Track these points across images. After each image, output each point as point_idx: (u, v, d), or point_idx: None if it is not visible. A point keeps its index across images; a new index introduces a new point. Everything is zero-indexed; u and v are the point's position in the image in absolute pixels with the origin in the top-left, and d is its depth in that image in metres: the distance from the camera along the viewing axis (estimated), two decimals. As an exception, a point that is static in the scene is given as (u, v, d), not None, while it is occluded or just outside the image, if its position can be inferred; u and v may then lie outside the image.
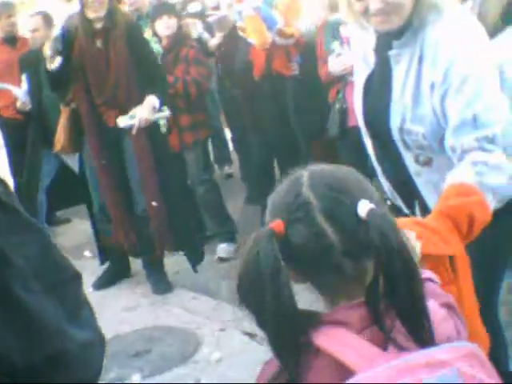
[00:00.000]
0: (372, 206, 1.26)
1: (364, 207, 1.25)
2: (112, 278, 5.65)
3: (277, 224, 1.29)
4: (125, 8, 5.78)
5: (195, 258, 5.31)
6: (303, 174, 1.35)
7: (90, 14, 4.78)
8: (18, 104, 6.13)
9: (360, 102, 2.53)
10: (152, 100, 4.87)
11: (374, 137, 2.54)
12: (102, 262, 5.64)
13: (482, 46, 2.25)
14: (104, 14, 4.77)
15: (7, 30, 6.67)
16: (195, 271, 5.27)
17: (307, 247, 1.27)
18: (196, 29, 6.26)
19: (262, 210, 5.85)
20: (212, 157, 6.96)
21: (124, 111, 4.88)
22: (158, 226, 5.12)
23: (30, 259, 1.33)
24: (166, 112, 5.04)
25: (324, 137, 5.19)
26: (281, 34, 5.24)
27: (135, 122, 4.79)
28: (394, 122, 2.34)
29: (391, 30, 2.29)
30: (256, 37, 5.30)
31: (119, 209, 5.20)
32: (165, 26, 5.50)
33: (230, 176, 7.75)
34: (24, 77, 6.14)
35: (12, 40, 6.66)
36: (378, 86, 2.44)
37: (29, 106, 6.18)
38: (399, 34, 2.30)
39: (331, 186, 1.30)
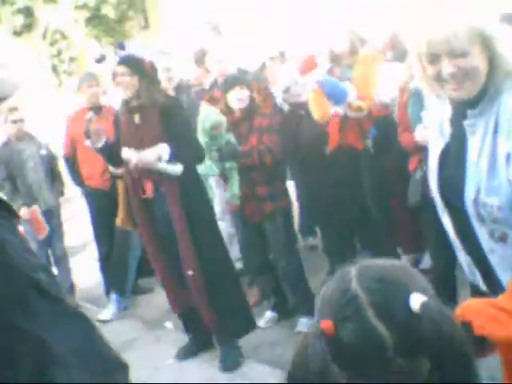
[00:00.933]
0: (425, 298, 1.20)
1: (417, 300, 1.20)
2: (193, 349, 5.62)
3: (326, 324, 1.26)
4: (164, 85, 5.95)
5: (243, 328, 5.28)
6: (351, 269, 1.32)
7: (123, 95, 5.05)
8: (110, 168, 6.25)
9: (435, 175, 2.48)
10: (161, 147, 4.93)
11: (450, 210, 2.46)
12: (186, 333, 5.65)
13: None
14: (134, 94, 4.98)
15: (92, 101, 6.87)
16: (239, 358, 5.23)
17: (358, 345, 1.23)
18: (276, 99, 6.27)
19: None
20: (296, 227, 6.86)
21: (159, 183, 5.01)
22: (196, 297, 5.13)
23: (73, 350, 1.31)
24: (177, 168, 5.00)
25: (405, 206, 5.04)
26: (349, 107, 5.16)
27: (133, 157, 4.94)
28: (469, 194, 2.27)
29: (466, 99, 2.24)
30: (316, 110, 5.25)
31: (169, 278, 5.34)
32: (237, 98, 5.48)
33: (314, 247, 7.58)
34: None
35: (97, 110, 6.80)
36: (454, 158, 2.38)
37: (121, 172, 6.31)
38: (474, 103, 2.24)
39: (380, 278, 1.26)
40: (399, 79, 5.53)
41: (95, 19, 25.31)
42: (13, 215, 1.47)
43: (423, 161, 4.62)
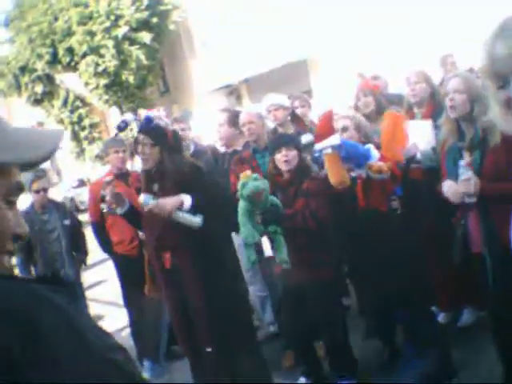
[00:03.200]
0: None
1: None
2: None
3: None
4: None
5: None
6: None
7: (143, 165, 5.07)
8: (140, 235, 6.20)
9: None
10: (183, 197, 4.88)
11: None
12: None
13: None
14: (155, 165, 4.98)
15: (118, 166, 6.79)
16: None
17: None
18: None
19: (383, 345, 5.60)
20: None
21: (175, 252, 4.97)
22: (214, 375, 5.05)
23: None
24: (197, 219, 4.93)
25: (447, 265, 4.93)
26: (370, 169, 5.07)
27: (152, 205, 4.85)
28: None
29: None
30: (331, 176, 5.13)
31: (189, 350, 5.28)
32: (284, 160, 5.33)
33: (347, 309, 7.45)
34: None
35: (124, 176, 6.77)
36: None
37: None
38: None
39: None
40: (429, 136, 5.50)
41: (115, 85, 25.60)
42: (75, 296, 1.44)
43: (463, 216, 4.55)
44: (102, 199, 5.18)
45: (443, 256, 5.14)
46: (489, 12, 14.84)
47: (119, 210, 5.20)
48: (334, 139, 5.03)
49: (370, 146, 5.13)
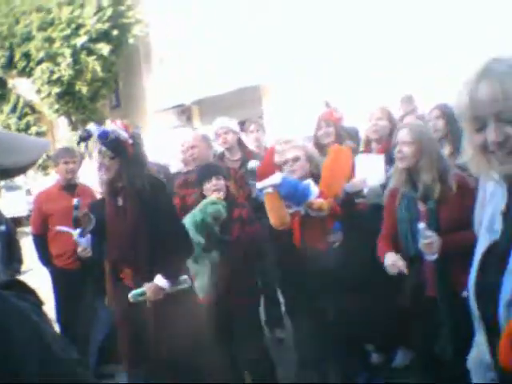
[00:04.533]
0: None
1: None
2: None
3: None
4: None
5: None
6: None
7: (104, 177, 4.99)
8: (79, 249, 6.08)
9: (474, 277, 2.11)
10: (159, 280, 4.82)
11: (482, 316, 2.09)
12: None
13: None
14: (115, 176, 4.88)
15: (67, 178, 6.69)
16: None
17: None
18: (255, 189, 6.20)
19: (316, 378, 5.58)
20: (263, 319, 6.71)
21: (137, 270, 4.89)
22: None
23: None
24: (185, 284, 4.94)
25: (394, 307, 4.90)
26: (310, 206, 5.04)
27: (144, 298, 4.82)
28: (504, 296, 1.92)
29: None
30: (272, 217, 5.12)
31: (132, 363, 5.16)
32: (214, 189, 5.38)
33: (281, 340, 7.42)
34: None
35: (71, 187, 6.66)
36: (498, 256, 1.99)
37: (89, 254, 6.12)
38: None
39: None
40: (380, 171, 5.51)
41: (67, 95, 25.33)
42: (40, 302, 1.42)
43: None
44: (75, 224, 5.07)
45: (381, 295, 5.14)
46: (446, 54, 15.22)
47: (87, 229, 5.13)
48: (275, 178, 5.01)
49: (310, 182, 5.12)
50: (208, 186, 5.38)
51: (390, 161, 5.38)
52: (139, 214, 4.86)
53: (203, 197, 5.42)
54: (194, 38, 24.37)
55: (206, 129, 12.22)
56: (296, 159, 5.36)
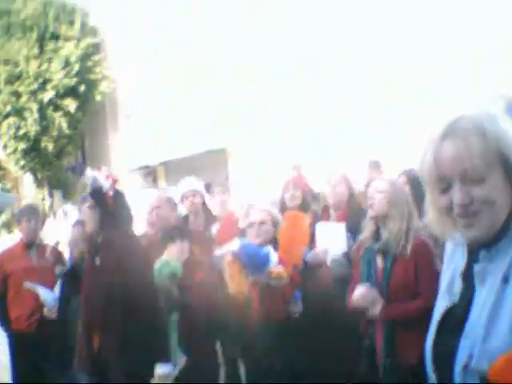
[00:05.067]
0: None
1: None
2: None
3: None
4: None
5: None
6: None
7: (87, 227, 4.94)
8: (45, 310, 5.96)
9: (431, 340, 2.04)
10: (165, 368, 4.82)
11: (438, 380, 2.01)
12: None
13: None
14: (93, 229, 4.86)
15: (29, 237, 6.60)
16: None
17: None
18: None
19: None
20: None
21: (104, 331, 4.82)
22: None
23: None
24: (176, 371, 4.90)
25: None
26: (270, 275, 5.00)
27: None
28: (460, 360, 1.85)
29: (479, 239, 1.86)
30: (230, 284, 5.08)
31: None
32: (178, 252, 5.39)
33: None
34: (58, 284, 6.01)
35: (32, 246, 6.57)
36: (456, 319, 1.95)
37: (54, 315, 6.01)
38: (488, 245, 1.86)
39: None
40: (341, 240, 5.51)
41: (33, 151, 25.13)
42: None
43: (371, 326, 4.55)
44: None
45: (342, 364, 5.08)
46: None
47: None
48: (234, 245, 4.99)
49: (269, 250, 5.08)
50: (172, 249, 5.36)
51: (349, 228, 5.43)
52: (115, 278, 4.78)
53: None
54: (161, 98, 24.53)
55: (171, 190, 12.19)
56: (262, 223, 5.32)
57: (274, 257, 5.03)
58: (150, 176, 24.85)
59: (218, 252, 5.09)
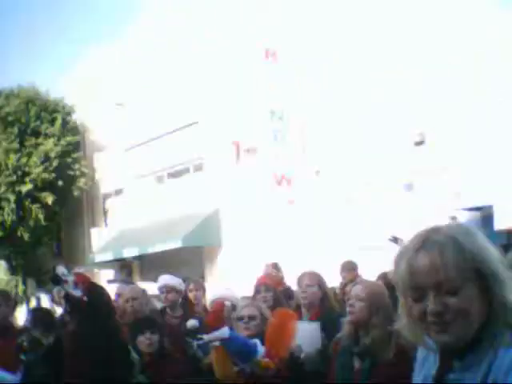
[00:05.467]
0: None
1: None
2: None
3: None
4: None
5: None
6: None
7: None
8: None
9: None
10: None
11: None
12: None
13: None
14: (71, 335, 4.93)
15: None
16: None
17: None
18: (192, 347, 6.17)
19: None
20: None
21: None
22: None
23: None
24: None
25: None
26: (257, 364, 4.99)
27: None
28: None
29: (452, 346, 1.87)
30: (217, 369, 5.11)
31: None
32: (148, 343, 5.42)
33: None
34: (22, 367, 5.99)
35: (4, 330, 6.56)
36: None
37: None
38: (463, 354, 1.87)
39: None
40: (315, 338, 5.55)
41: (9, 239, 25.11)
42: None
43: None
44: None
45: None
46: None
47: None
48: (223, 332, 5.05)
49: (257, 341, 5.15)
50: (141, 339, 5.42)
51: (323, 328, 5.47)
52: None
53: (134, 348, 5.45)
54: (138, 192, 24.77)
55: (146, 285, 12.17)
56: (252, 318, 5.38)
57: (261, 349, 5.09)
58: (124, 269, 24.78)
59: (206, 337, 5.13)
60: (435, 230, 1.94)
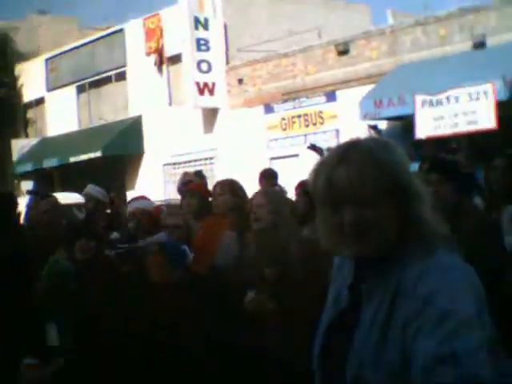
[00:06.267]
0: None
1: None
2: None
3: None
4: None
5: None
6: None
7: None
8: None
9: (318, 346, 2.09)
10: None
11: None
12: None
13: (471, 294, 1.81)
14: None
15: None
16: None
17: None
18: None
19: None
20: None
21: None
22: None
23: None
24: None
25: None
26: (188, 270, 5.10)
27: None
28: (350, 369, 1.90)
29: (366, 256, 1.93)
30: (154, 273, 5.22)
31: None
32: (82, 249, 5.43)
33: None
34: None
35: None
36: (342, 330, 2.00)
37: None
38: (376, 264, 1.94)
39: None
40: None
41: None
42: None
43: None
44: None
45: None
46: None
47: None
48: (161, 236, 5.13)
49: (186, 248, 5.24)
50: (77, 245, 5.44)
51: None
52: None
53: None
54: (60, 101, 24.22)
55: (67, 195, 12.13)
56: (177, 226, 5.52)
57: (189, 254, 5.21)
58: (44, 179, 24.46)
59: (141, 243, 5.20)
60: (354, 144, 1.97)
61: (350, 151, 1.94)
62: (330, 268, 2.20)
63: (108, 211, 7.34)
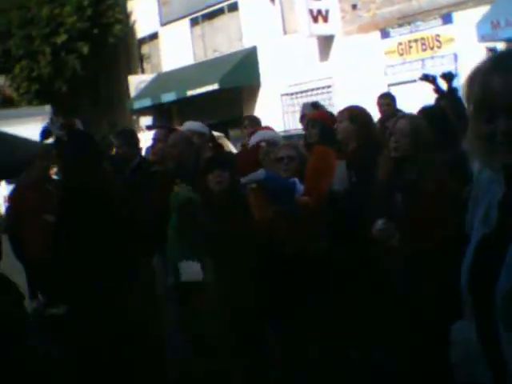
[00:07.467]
0: None
1: None
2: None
3: None
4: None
5: None
6: None
7: None
8: None
9: (466, 268, 1.99)
10: None
11: (474, 307, 1.97)
12: None
13: None
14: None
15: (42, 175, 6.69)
16: None
17: None
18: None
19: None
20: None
21: None
22: None
23: None
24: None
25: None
26: (296, 204, 5.02)
27: None
28: (502, 285, 1.82)
29: None
30: (255, 211, 5.13)
31: None
32: (216, 181, 5.40)
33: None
34: None
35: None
36: (494, 248, 1.92)
37: None
38: None
39: None
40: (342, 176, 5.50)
41: (47, 92, 25.05)
42: None
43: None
44: None
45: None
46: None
47: None
48: (259, 174, 5.05)
49: (296, 180, 5.14)
50: (210, 177, 5.41)
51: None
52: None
53: (206, 188, 5.53)
54: (174, 35, 24.46)
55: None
56: (291, 158, 5.32)
57: (299, 188, 5.09)
58: (163, 114, 24.84)
59: (243, 180, 5.14)
60: (509, 54, 1.91)
61: (507, 59, 1.88)
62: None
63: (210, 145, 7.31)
